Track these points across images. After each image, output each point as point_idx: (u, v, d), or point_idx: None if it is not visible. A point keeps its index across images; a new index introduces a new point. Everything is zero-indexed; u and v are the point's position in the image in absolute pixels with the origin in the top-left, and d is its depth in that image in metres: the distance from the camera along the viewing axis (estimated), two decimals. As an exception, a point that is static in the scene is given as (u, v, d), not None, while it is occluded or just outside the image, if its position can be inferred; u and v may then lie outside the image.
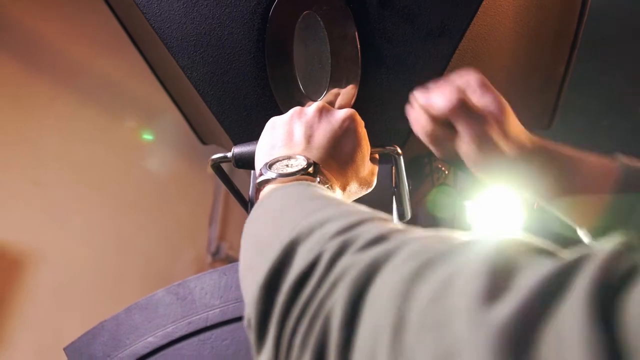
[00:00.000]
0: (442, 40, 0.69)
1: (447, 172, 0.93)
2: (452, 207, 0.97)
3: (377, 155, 0.61)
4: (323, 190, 0.43)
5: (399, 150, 0.62)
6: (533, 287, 0.18)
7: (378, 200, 0.69)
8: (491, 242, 0.22)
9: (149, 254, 1.55)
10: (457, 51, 0.70)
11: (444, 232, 0.27)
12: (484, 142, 0.54)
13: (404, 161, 0.65)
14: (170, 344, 0.72)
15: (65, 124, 1.43)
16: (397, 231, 0.29)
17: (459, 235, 0.26)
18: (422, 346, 0.20)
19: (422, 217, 1.07)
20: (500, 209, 0.95)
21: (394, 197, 0.71)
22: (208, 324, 0.68)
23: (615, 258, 0.18)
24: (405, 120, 0.77)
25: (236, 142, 0.76)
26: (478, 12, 0.69)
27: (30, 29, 1.37)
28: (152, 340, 0.72)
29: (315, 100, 0.70)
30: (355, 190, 0.55)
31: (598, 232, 0.55)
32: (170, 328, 0.73)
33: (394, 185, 0.70)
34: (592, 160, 0.56)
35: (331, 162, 0.51)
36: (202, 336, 0.69)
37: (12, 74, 1.35)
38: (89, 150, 1.46)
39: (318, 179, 0.48)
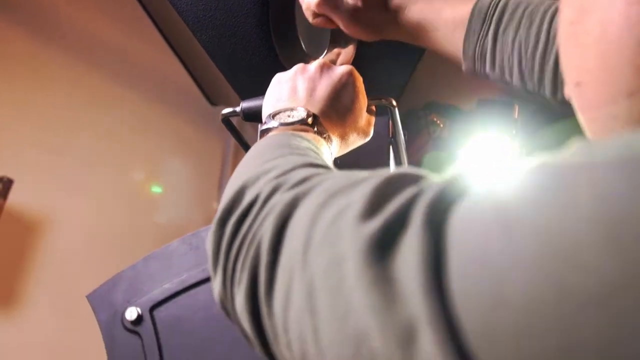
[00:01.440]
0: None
1: (441, 125, 0.98)
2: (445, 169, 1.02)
3: (374, 107, 0.65)
4: (301, 139, 0.49)
5: (394, 103, 0.67)
6: (396, 207, 0.24)
7: (377, 149, 0.75)
8: (381, 175, 0.28)
9: (160, 218, 1.61)
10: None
11: (353, 172, 0.33)
12: (353, 23, 0.63)
13: (399, 113, 0.70)
14: (185, 290, 0.76)
15: (77, 92, 1.46)
16: (318, 174, 0.36)
17: (363, 174, 0.31)
18: (320, 257, 0.26)
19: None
20: (491, 157, 1.01)
21: (390, 146, 0.76)
22: (220, 270, 0.74)
23: (450, 184, 0.23)
24: (399, 76, 0.82)
25: (244, 99, 0.82)
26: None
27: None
28: (168, 286, 0.76)
29: (317, 59, 0.76)
30: (354, 139, 0.61)
31: None
32: (185, 275, 0.77)
33: (390, 135, 0.75)
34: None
35: (331, 113, 0.57)
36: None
37: (22, 41, 1.37)
38: (101, 118, 1.50)
39: (315, 129, 0.53)
